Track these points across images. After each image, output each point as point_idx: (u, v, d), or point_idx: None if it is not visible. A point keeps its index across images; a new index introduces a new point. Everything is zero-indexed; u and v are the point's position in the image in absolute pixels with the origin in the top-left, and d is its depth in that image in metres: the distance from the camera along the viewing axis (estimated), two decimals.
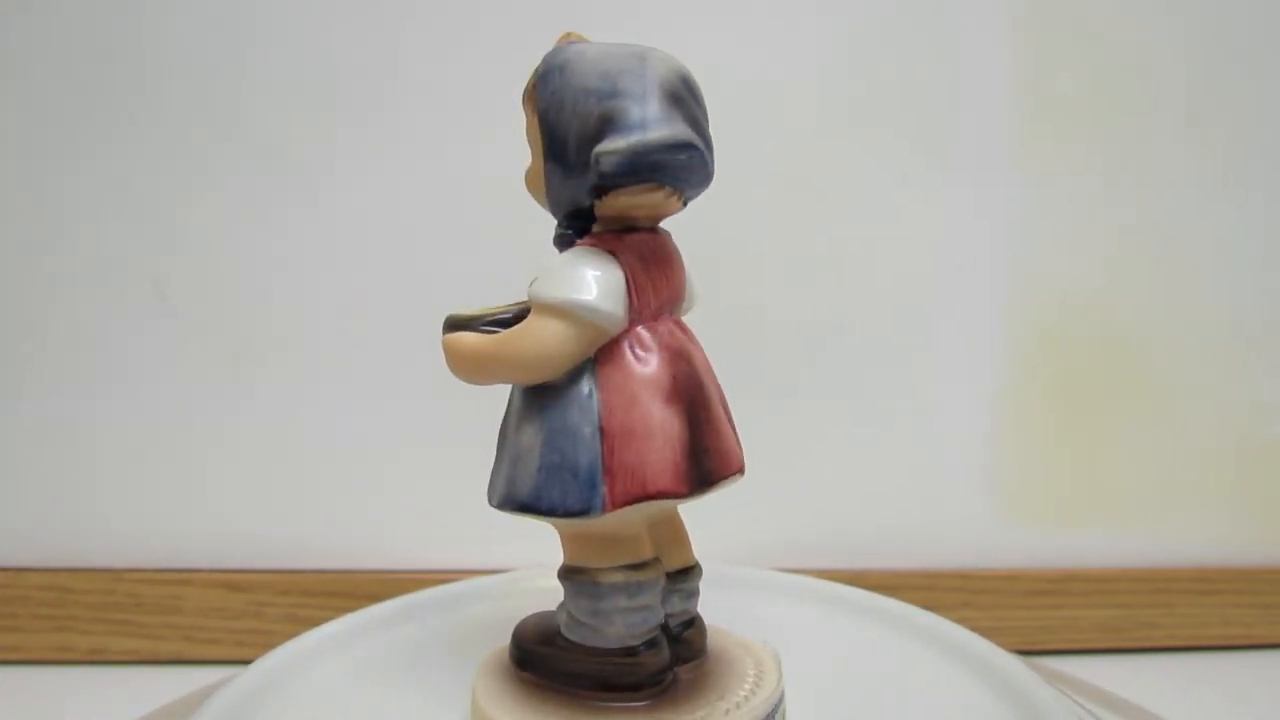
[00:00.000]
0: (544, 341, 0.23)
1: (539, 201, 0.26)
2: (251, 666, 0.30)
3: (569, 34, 0.25)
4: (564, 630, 0.25)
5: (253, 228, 0.45)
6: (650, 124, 0.23)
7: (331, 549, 0.46)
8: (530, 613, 0.28)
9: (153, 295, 0.45)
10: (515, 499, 0.24)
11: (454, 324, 0.24)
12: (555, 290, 0.23)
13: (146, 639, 0.45)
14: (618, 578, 0.24)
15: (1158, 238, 0.47)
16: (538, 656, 0.26)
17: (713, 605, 0.28)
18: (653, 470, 0.23)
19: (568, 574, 0.25)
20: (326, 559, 0.46)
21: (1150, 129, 0.47)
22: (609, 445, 0.23)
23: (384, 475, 0.46)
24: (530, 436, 0.23)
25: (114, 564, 0.45)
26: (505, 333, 0.24)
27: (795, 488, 0.46)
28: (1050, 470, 0.48)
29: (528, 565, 0.37)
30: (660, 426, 0.23)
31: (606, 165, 0.23)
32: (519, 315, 0.24)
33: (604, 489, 0.23)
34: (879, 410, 0.47)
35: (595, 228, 0.24)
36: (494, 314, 0.24)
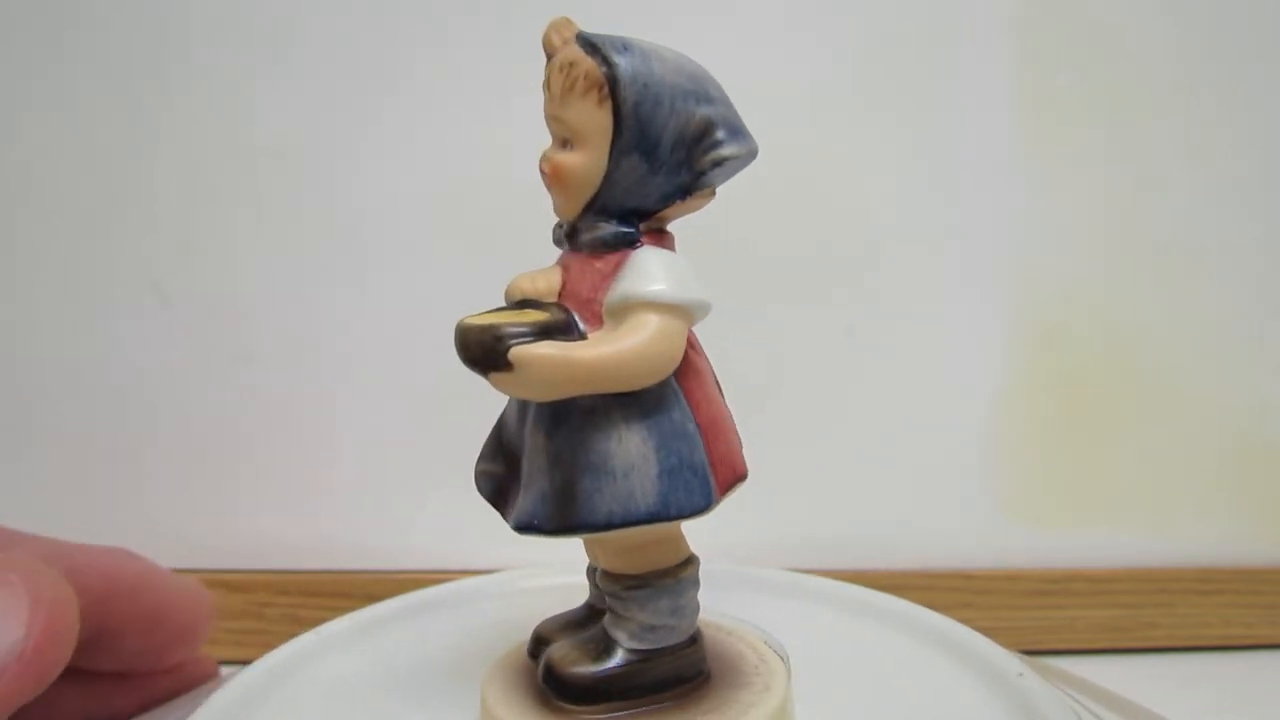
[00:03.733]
0: (673, 343, 0.22)
1: (568, 195, 0.24)
2: (251, 666, 0.30)
3: (567, 20, 0.24)
4: (630, 642, 0.24)
5: (249, 227, 0.45)
6: (748, 133, 0.24)
7: (331, 549, 0.46)
8: (530, 623, 0.27)
9: (151, 295, 0.45)
10: (636, 513, 0.22)
11: (503, 334, 0.21)
12: (677, 290, 0.22)
13: None
14: (691, 570, 0.25)
15: (1158, 237, 0.47)
16: (612, 681, 0.24)
17: (713, 604, 0.28)
18: (736, 456, 0.24)
19: (642, 581, 0.24)
20: (326, 559, 0.46)
21: (1150, 129, 0.47)
22: (705, 439, 0.23)
23: (383, 475, 0.46)
24: (637, 444, 0.22)
25: None
26: (620, 336, 0.22)
27: (795, 487, 0.46)
28: (1051, 470, 0.48)
29: (524, 564, 0.37)
30: (728, 414, 0.24)
31: (728, 169, 0.23)
32: (564, 321, 0.22)
33: (713, 481, 0.23)
34: (879, 410, 0.47)
35: (643, 227, 0.24)
36: (529, 320, 0.22)
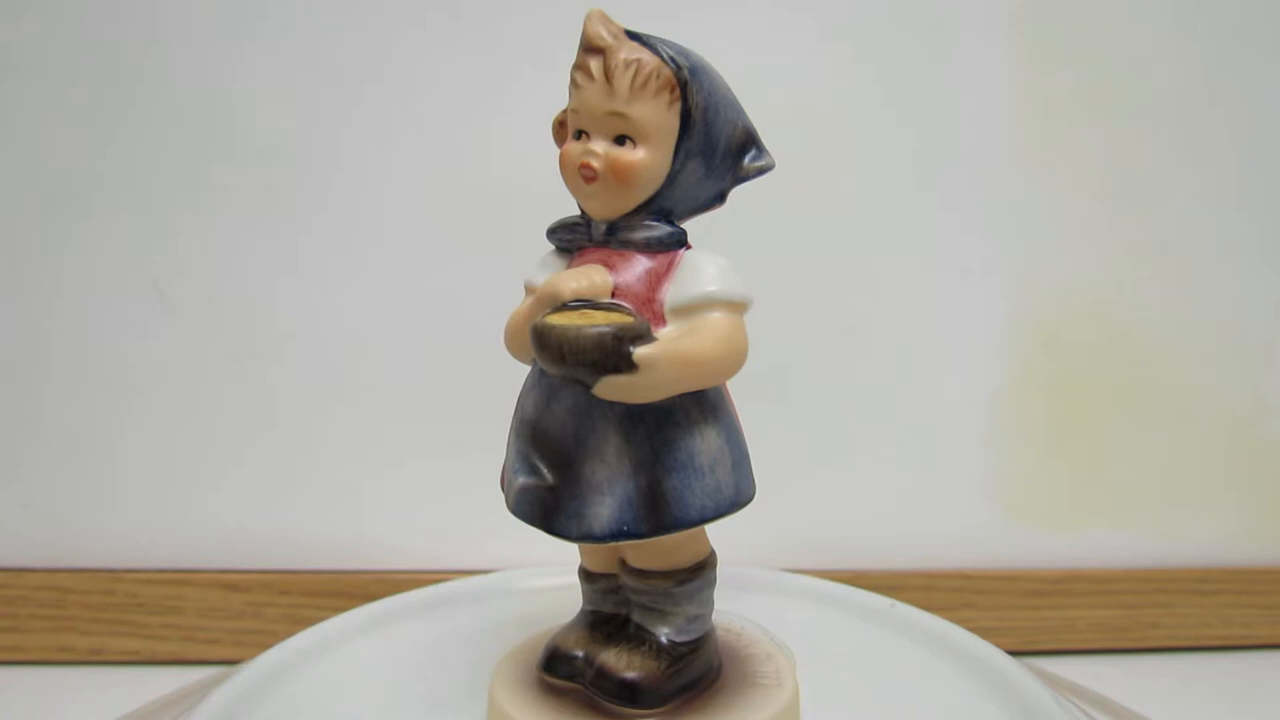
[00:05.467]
0: (746, 338, 0.23)
1: (628, 193, 0.23)
2: (250, 663, 0.30)
3: (605, 13, 0.23)
4: (677, 636, 0.25)
5: (252, 228, 0.45)
6: None
7: (331, 549, 0.46)
8: (532, 621, 0.27)
9: (153, 296, 0.45)
10: (723, 505, 0.23)
11: (624, 335, 0.21)
12: (740, 287, 0.23)
13: (146, 639, 0.45)
14: (715, 558, 0.26)
15: (1158, 237, 0.47)
16: (676, 676, 0.24)
17: (716, 604, 0.28)
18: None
19: (692, 574, 0.25)
20: (326, 559, 0.46)
21: (1150, 129, 0.47)
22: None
23: (383, 476, 0.46)
24: (714, 439, 0.23)
25: (114, 564, 0.45)
26: (709, 334, 0.22)
27: (797, 488, 0.46)
28: (1051, 470, 0.48)
29: (524, 564, 0.37)
30: None
31: (761, 176, 0.25)
32: (647, 322, 0.22)
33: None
34: (880, 411, 0.47)
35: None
36: (629, 321, 0.21)
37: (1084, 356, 0.47)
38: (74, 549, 0.45)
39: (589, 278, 0.23)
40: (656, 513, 0.22)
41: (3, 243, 0.45)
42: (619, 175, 0.23)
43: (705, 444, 0.23)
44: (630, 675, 0.24)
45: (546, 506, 0.23)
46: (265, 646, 0.31)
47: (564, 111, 0.24)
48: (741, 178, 0.25)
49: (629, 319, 0.21)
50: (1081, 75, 0.46)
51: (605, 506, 0.22)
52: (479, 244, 0.45)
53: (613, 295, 0.23)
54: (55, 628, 0.45)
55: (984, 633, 0.32)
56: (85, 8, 0.44)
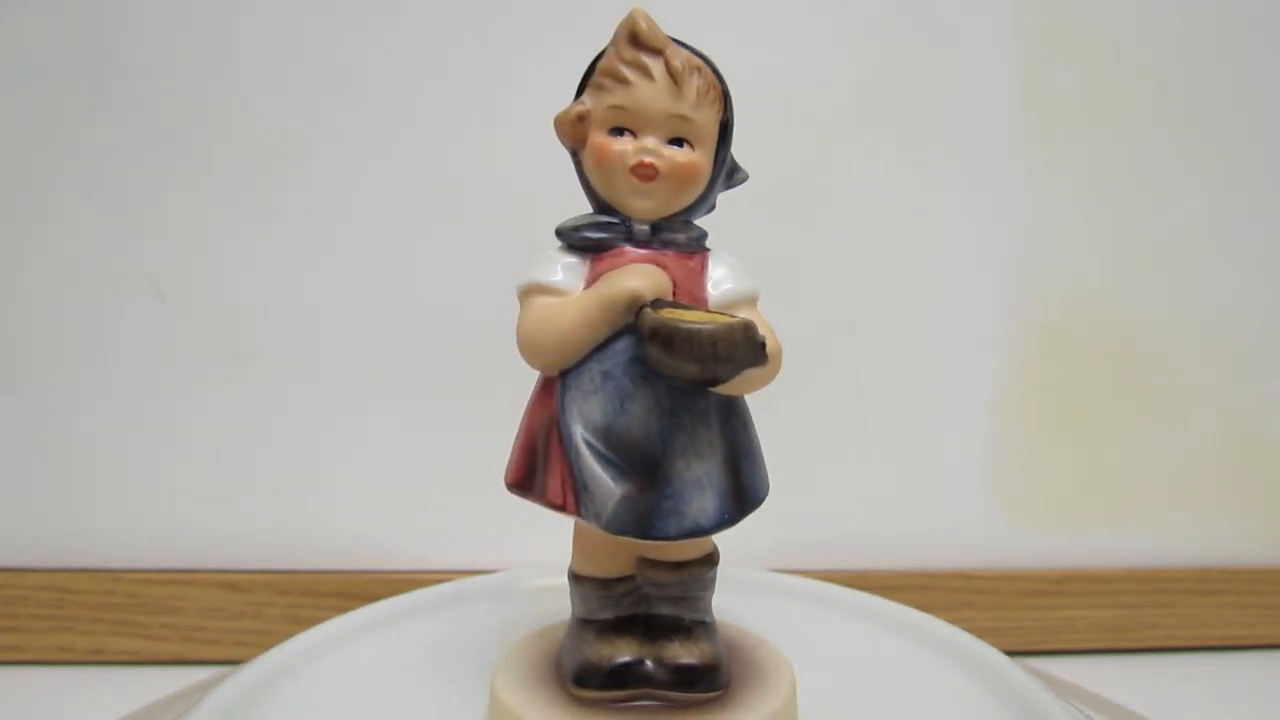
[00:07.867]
0: None
1: (685, 193, 0.24)
2: (249, 664, 0.30)
3: (646, 12, 0.23)
4: (705, 618, 0.26)
5: (250, 227, 0.45)
6: None
7: (331, 549, 0.46)
8: (556, 624, 0.27)
9: (151, 295, 0.45)
10: (768, 483, 0.24)
11: (755, 330, 0.21)
12: (757, 285, 0.24)
13: (146, 639, 0.45)
14: None
15: (1158, 237, 0.47)
16: (723, 653, 0.25)
17: (715, 605, 0.28)
18: None
19: (716, 559, 0.26)
20: (326, 559, 0.46)
21: (1150, 129, 0.47)
22: None
23: (384, 475, 0.46)
24: (753, 423, 0.25)
25: (114, 564, 0.45)
26: (765, 327, 0.23)
27: (796, 488, 0.46)
28: (1050, 470, 0.48)
29: (525, 564, 0.37)
30: None
31: (739, 186, 0.26)
32: (742, 320, 0.21)
33: None
34: (880, 410, 0.47)
35: None
36: (728, 319, 0.21)
37: (1084, 356, 0.47)
38: (74, 549, 0.45)
39: (650, 277, 0.22)
40: (741, 498, 0.23)
41: (3, 244, 0.45)
42: (682, 176, 0.24)
43: (754, 429, 0.24)
44: (703, 661, 0.24)
45: (638, 512, 0.22)
46: (265, 646, 0.31)
47: (580, 105, 0.24)
48: (729, 187, 0.26)
49: (729, 314, 0.22)
50: (1081, 75, 0.47)
51: (708, 499, 0.23)
52: (481, 242, 0.45)
53: (673, 294, 0.23)
54: (55, 628, 0.45)
55: (983, 633, 0.32)
56: (84, 6, 0.44)
